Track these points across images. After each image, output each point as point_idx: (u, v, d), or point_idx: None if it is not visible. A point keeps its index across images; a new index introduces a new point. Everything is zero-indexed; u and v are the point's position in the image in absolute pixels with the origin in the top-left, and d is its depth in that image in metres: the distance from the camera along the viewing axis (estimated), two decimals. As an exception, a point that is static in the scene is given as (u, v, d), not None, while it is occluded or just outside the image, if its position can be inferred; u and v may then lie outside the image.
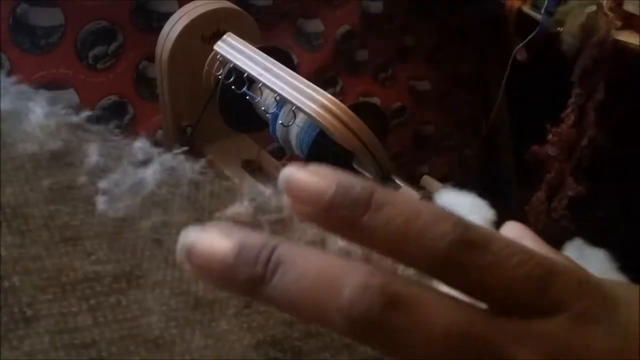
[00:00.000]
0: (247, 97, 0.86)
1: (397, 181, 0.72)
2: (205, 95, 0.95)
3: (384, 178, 0.73)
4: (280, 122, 0.80)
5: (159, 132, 1.05)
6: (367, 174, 0.75)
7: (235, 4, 0.94)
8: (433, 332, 0.32)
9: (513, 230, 0.48)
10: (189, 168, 0.47)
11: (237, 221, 0.47)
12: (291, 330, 0.43)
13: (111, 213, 0.44)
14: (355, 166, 0.75)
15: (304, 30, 1.16)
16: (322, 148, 0.76)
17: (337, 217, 0.34)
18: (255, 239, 0.34)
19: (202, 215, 0.46)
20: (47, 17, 0.98)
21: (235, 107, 0.92)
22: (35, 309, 0.39)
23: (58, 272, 0.41)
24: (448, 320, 0.32)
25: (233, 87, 0.86)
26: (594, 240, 0.50)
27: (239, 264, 0.33)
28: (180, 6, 0.94)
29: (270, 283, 0.33)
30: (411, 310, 0.32)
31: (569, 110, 0.79)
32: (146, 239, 0.44)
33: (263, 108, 0.84)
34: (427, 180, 0.66)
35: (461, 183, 0.62)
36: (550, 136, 0.80)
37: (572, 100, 0.80)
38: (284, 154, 1.14)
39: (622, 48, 0.86)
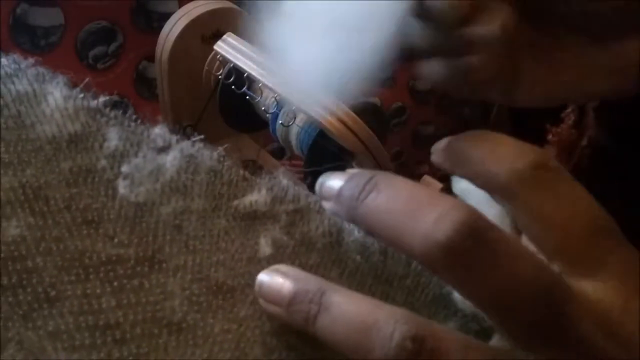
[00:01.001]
0: (247, 97, 0.85)
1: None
2: (205, 95, 0.94)
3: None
4: (280, 122, 0.79)
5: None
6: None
7: (236, 4, 0.93)
8: (515, 275, 0.32)
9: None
10: (208, 155, 0.48)
11: (254, 209, 0.48)
12: None
13: (132, 197, 0.44)
14: (355, 166, 0.75)
15: (304, 30, 1.17)
16: (322, 148, 0.76)
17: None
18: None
19: (221, 202, 0.47)
20: (47, 17, 0.98)
21: (235, 107, 0.92)
22: (58, 289, 0.39)
23: (80, 254, 0.40)
24: (531, 267, 0.32)
25: (233, 87, 0.84)
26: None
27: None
28: (180, 6, 0.93)
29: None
30: (497, 248, 0.32)
31: (569, 110, 0.79)
32: (167, 224, 0.44)
33: (263, 108, 0.83)
34: (427, 180, 0.66)
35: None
36: (550, 136, 0.80)
37: None
38: (284, 154, 1.14)
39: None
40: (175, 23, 0.90)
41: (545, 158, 0.37)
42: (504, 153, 0.37)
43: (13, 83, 0.46)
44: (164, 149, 0.47)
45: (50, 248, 0.40)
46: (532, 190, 0.36)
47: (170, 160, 0.46)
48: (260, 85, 0.77)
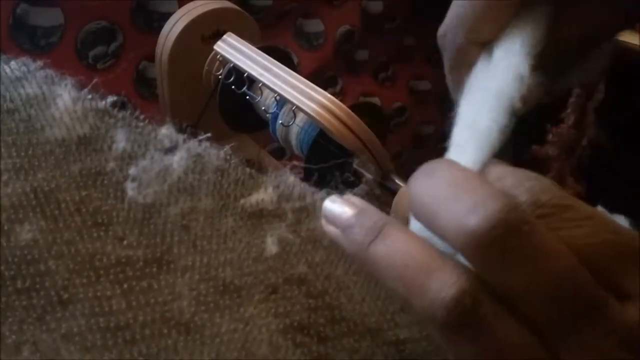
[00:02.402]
0: (247, 97, 0.86)
1: (397, 181, 0.72)
2: (205, 95, 0.95)
3: (384, 178, 0.73)
4: (280, 122, 0.80)
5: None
6: (367, 174, 0.75)
7: (235, 4, 0.94)
8: (548, 270, 0.32)
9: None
10: (215, 155, 0.48)
11: (261, 208, 0.48)
12: (316, 316, 0.43)
13: (140, 199, 0.44)
14: (355, 166, 0.75)
15: (304, 30, 1.17)
16: (322, 148, 0.76)
17: None
18: (373, 212, 0.39)
19: (228, 202, 0.47)
20: (47, 17, 0.98)
21: (235, 107, 0.93)
22: (70, 292, 0.39)
23: (91, 256, 0.41)
24: (566, 265, 0.32)
25: (233, 87, 0.85)
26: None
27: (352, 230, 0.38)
28: (180, 6, 0.94)
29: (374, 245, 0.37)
30: (532, 241, 0.32)
31: (569, 110, 0.79)
32: (175, 225, 0.44)
33: (263, 108, 0.84)
34: None
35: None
36: (550, 136, 0.80)
37: (572, 100, 0.80)
38: (284, 154, 1.14)
39: (622, 48, 0.88)
40: (175, 23, 0.90)
41: (516, 215, 0.32)
42: (458, 204, 0.33)
43: (23, 87, 0.46)
44: (171, 149, 0.47)
45: (62, 251, 0.41)
46: (486, 259, 0.33)
47: (178, 160, 0.46)
48: (260, 85, 0.78)
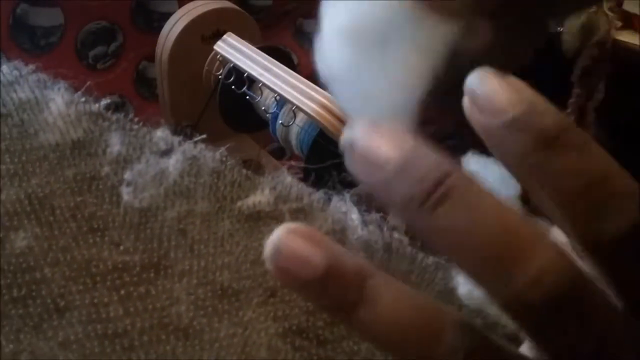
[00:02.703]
0: (247, 97, 0.86)
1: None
2: (205, 95, 0.95)
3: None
4: (280, 122, 0.80)
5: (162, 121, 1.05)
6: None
7: (235, 4, 0.94)
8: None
9: None
10: (210, 157, 0.48)
11: (258, 210, 0.48)
12: (315, 319, 0.43)
13: (136, 203, 0.44)
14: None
15: (304, 29, 1.17)
16: (322, 148, 0.76)
17: None
18: (427, 158, 0.28)
19: (225, 204, 0.47)
20: (47, 17, 0.98)
21: (235, 107, 0.93)
22: (67, 299, 0.39)
23: (87, 262, 0.41)
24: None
25: (233, 87, 0.86)
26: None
27: (400, 179, 0.27)
28: (180, 6, 0.95)
29: (432, 212, 0.27)
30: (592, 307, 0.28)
31: (569, 110, 0.79)
32: (171, 229, 0.44)
33: (263, 108, 0.84)
34: None
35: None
36: None
37: (572, 100, 0.79)
38: (284, 154, 1.14)
39: (622, 48, 0.87)
40: (175, 23, 0.91)
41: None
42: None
43: (15, 91, 0.46)
44: (167, 152, 0.47)
45: (58, 258, 0.40)
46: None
47: (173, 163, 0.46)
48: (260, 85, 0.79)
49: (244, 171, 0.49)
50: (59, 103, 0.46)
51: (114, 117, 0.47)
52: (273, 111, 0.82)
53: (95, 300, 0.39)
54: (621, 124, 0.78)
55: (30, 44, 0.98)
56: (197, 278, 0.43)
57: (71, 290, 0.39)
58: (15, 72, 0.47)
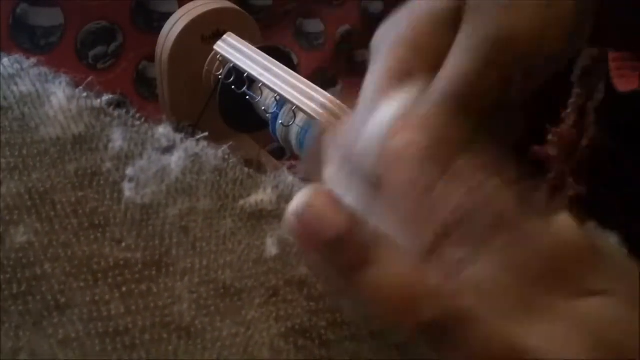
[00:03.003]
0: (247, 97, 0.86)
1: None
2: (205, 95, 0.95)
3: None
4: (280, 122, 0.80)
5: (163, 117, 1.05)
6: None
7: (235, 4, 0.94)
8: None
9: None
10: (212, 154, 0.47)
11: (260, 209, 0.47)
12: (318, 319, 0.42)
13: (138, 200, 0.43)
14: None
15: (303, 30, 1.17)
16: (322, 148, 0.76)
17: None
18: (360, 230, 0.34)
19: (227, 202, 0.46)
20: (47, 17, 0.98)
21: (235, 107, 0.93)
22: (67, 296, 0.38)
23: (88, 259, 0.40)
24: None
25: (233, 87, 0.86)
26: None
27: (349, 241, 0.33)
28: (180, 6, 0.94)
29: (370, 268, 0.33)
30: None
31: (569, 110, 0.79)
32: (173, 226, 0.43)
33: (263, 108, 0.84)
34: None
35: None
36: (550, 136, 0.80)
37: (572, 100, 0.79)
38: (284, 154, 1.15)
39: (622, 48, 0.87)
40: (175, 23, 0.90)
41: None
42: None
43: (16, 84, 0.45)
44: (169, 149, 0.46)
45: (58, 254, 0.39)
46: None
47: (175, 160, 0.46)
48: (260, 85, 0.79)
49: (246, 170, 0.49)
50: (60, 97, 0.45)
51: (116, 113, 0.47)
52: (273, 111, 0.81)
53: (96, 298, 0.39)
54: (622, 124, 0.78)
55: (30, 44, 0.98)
56: (199, 276, 0.42)
57: (72, 287, 0.39)
58: (17, 66, 0.46)
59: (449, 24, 0.41)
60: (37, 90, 0.45)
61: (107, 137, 0.45)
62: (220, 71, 0.89)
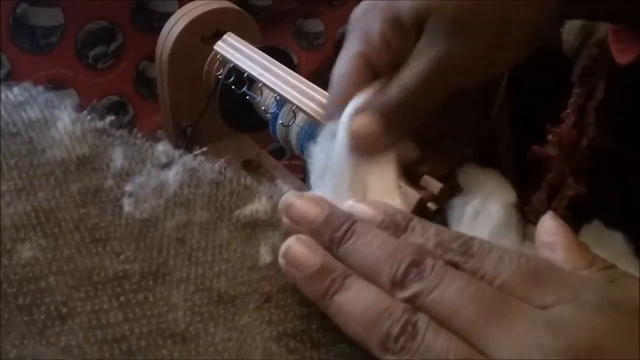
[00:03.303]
0: (247, 97, 0.87)
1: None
2: (205, 95, 0.96)
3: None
4: (280, 122, 0.81)
5: (159, 132, 1.06)
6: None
7: (235, 3, 0.95)
8: None
9: (548, 227, 0.48)
10: (209, 168, 0.51)
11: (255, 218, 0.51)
12: (309, 323, 0.45)
13: (137, 214, 0.47)
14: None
15: (304, 30, 1.18)
16: None
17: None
18: (340, 213, 0.46)
19: (223, 213, 0.50)
20: (47, 17, 0.99)
21: (235, 107, 0.94)
22: (69, 307, 0.42)
23: (90, 271, 0.44)
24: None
25: (233, 87, 0.87)
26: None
27: (323, 228, 0.45)
28: (180, 6, 0.96)
29: (345, 244, 0.44)
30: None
31: (569, 110, 0.80)
32: (170, 238, 0.47)
33: (263, 108, 0.85)
34: (427, 180, 0.65)
35: (485, 160, 0.65)
36: (550, 136, 0.81)
37: (572, 100, 0.79)
38: (284, 154, 1.16)
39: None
40: (175, 23, 0.92)
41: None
42: None
43: (25, 111, 0.49)
44: (167, 165, 0.50)
45: (62, 267, 0.43)
46: None
47: (173, 175, 0.49)
48: (260, 85, 0.79)
49: (243, 181, 0.52)
50: (65, 121, 0.49)
51: (118, 133, 0.51)
52: (273, 111, 0.82)
53: (96, 307, 0.42)
54: (621, 124, 0.79)
55: (30, 44, 1.00)
56: (194, 285, 0.45)
57: (73, 298, 0.42)
58: (26, 93, 0.51)
59: (410, 29, 0.55)
60: (44, 116, 0.50)
61: (109, 156, 0.49)
62: (220, 71, 0.89)
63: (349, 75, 0.56)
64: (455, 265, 0.42)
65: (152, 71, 1.08)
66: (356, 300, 0.42)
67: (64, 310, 0.42)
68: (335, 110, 0.56)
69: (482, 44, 0.53)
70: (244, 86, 0.85)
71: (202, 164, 0.51)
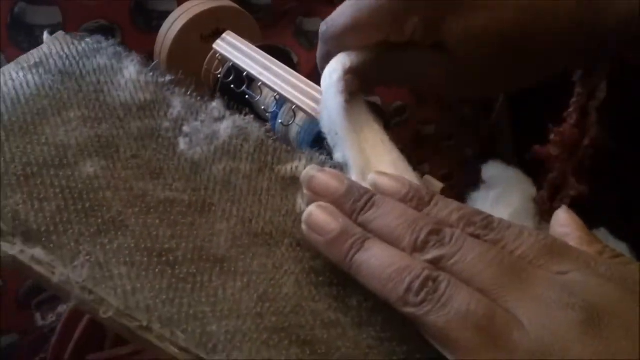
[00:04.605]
0: (247, 96, 0.90)
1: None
2: (205, 94, 1.01)
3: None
4: (280, 121, 0.84)
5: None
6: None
7: (235, 2, 1.00)
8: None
9: (562, 219, 0.54)
10: (257, 127, 0.57)
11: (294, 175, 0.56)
12: (332, 266, 0.50)
13: (190, 154, 0.53)
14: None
15: (303, 28, 1.26)
16: (322, 147, 0.75)
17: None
18: (359, 187, 0.51)
19: (265, 167, 0.56)
20: (45, 16, 1.05)
21: (235, 107, 0.91)
22: (123, 217, 0.46)
23: (144, 193, 0.48)
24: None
25: (232, 86, 0.90)
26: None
27: (345, 198, 0.51)
28: (179, 5, 1.01)
29: (366, 213, 0.48)
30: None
31: (571, 109, 0.87)
32: (217, 179, 0.52)
33: (263, 107, 0.88)
34: (428, 179, 0.71)
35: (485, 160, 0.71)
36: (552, 136, 0.88)
37: (574, 99, 0.88)
38: (284, 154, 1.21)
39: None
40: (174, 22, 0.98)
41: None
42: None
43: (95, 57, 0.55)
44: (219, 119, 0.56)
45: (118, 186, 0.47)
46: None
47: (224, 128, 0.56)
48: (259, 84, 0.82)
49: (284, 145, 0.58)
50: (131, 70, 0.56)
51: (177, 89, 0.57)
52: (273, 110, 0.86)
53: (148, 222, 0.46)
54: (624, 123, 0.84)
55: (28, 43, 1.05)
56: (236, 218, 0.50)
57: (127, 212, 0.46)
58: (97, 45, 0.58)
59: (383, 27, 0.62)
60: (112, 64, 0.55)
61: (168, 104, 0.55)
62: (220, 70, 0.93)
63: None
64: (477, 238, 0.45)
65: (151, 70, 1.14)
66: (376, 259, 0.45)
67: (119, 218, 0.46)
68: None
69: None
70: (243, 85, 0.88)
71: (250, 123, 0.57)
